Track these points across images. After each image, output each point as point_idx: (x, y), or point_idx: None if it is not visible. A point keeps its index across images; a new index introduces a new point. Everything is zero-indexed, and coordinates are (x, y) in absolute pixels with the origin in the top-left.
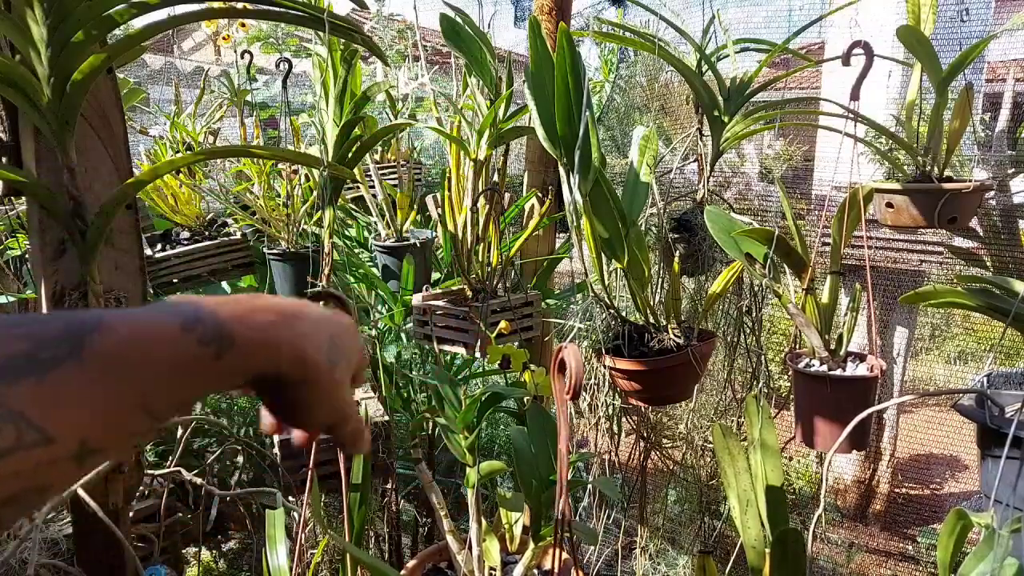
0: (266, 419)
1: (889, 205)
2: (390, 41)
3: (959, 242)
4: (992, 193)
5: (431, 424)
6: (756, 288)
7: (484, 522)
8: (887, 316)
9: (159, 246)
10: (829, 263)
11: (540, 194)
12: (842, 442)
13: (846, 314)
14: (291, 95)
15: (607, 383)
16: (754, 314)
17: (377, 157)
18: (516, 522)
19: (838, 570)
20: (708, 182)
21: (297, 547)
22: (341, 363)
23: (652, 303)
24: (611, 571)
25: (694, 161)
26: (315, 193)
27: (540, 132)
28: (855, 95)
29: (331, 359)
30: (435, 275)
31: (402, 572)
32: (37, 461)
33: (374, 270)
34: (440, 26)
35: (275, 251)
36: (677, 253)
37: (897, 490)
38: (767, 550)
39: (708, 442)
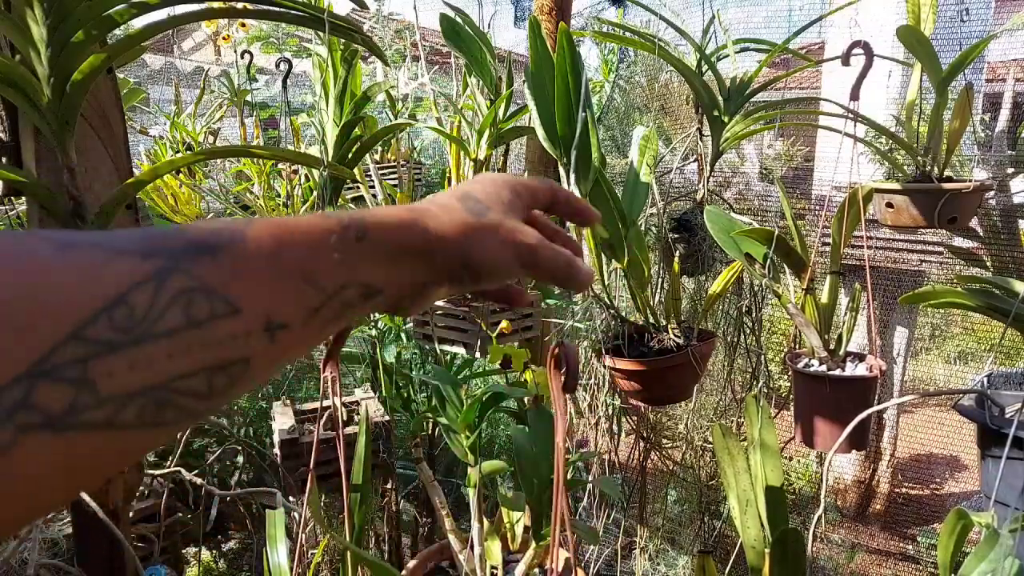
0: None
1: (889, 205)
2: (390, 41)
3: (959, 242)
4: (992, 193)
5: (431, 424)
6: (756, 288)
7: (485, 521)
8: (887, 316)
9: None
10: (829, 263)
11: None
12: (842, 442)
13: (846, 314)
14: (291, 95)
15: (607, 383)
16: (754, 314)
17: (377, 157)
18: (517, 521)
19: (838, 570)
20: (708, 182)
21: (297, 547)
22: (492, 208)
23: (652, 303)
24: (611, 571)
25: (694, 161)
26: (315, 193)
27: (540, 132)
28: (855, 95)
29: (476, 210)
30: None
31: (403, 572)
32: (232, 332)
33: None
34: (440, 26)
35: None
36: (677, 253)
37: (897, 490)
38: (767, 550)
39: (708, 442)
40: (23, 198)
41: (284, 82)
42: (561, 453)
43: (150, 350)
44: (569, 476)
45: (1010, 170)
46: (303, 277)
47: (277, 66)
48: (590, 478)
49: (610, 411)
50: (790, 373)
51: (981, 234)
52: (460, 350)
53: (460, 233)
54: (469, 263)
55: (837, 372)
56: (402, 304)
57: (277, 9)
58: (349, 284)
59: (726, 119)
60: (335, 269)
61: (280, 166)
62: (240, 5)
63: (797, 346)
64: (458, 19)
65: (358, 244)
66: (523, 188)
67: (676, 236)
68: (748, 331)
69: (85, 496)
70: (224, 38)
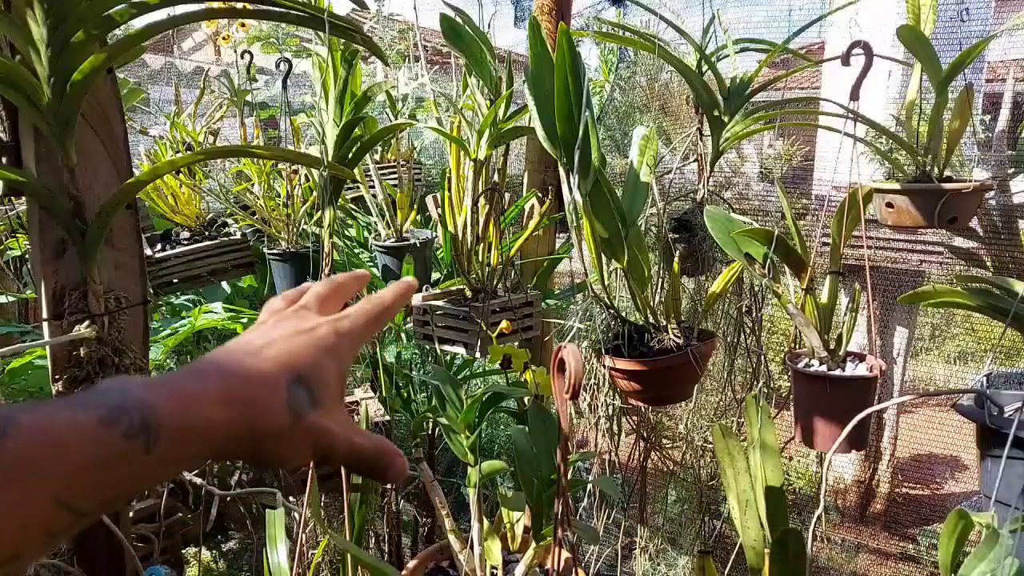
0: None
1: (889, 205)
2: (390, 41)
3: (959, 242)
4: (992, 193)
5: (432, 424)
6: (756, 288)
7: (486, 521)
8: (887, 316)
9: (159, 246)
10: (829, 263)
11: (540, 194)
12: (842, 442)
13: (846, 314)
14: (291, 95)
15: (607, 383)
16: (754, 314)
17: (377, 157)
18: (517, 521)
19: (838, 570)
20: (708, 182)
21: (297, 547)
22: (320, 403)
23: (652, 303)
24: (611, 571)
25: (694, 161)
26: (315, 193)
27: (540, 132)
28: (855, 95)
29: (298, 409)
30: (435, 275)
31: (403, 572)
32: None
33: (374, 270)
34: (440, 26)
35: (275, 251)
36: (677, 253)
37: (897, 490)
38: (767, 550)
39: (708, 442)
40: (23, 198)
41: (284, 82)
42: (564, 457)
43: None
44: (569, 476)
45: (1010, 170)
46: (62, 504)
47: (277, 66)
48: (590, 478)
49: (610, 411)
50: (790, 373)
51: (981, 234)
52: (460, 350)
53: (271, 437)
54: (261, 459)
55: (837, 372)
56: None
57: (277, 9)
58: (119, 499)
59: (726, 119)
60: (108, 489)
61: (280, 166)
62: (240, 5)
63: (797, 346)
64: (458, 19)
65: (146, 457)
66: (346, 341)
67: (676, 236)
68: (748, 331)
69: None
70: (224, 38)
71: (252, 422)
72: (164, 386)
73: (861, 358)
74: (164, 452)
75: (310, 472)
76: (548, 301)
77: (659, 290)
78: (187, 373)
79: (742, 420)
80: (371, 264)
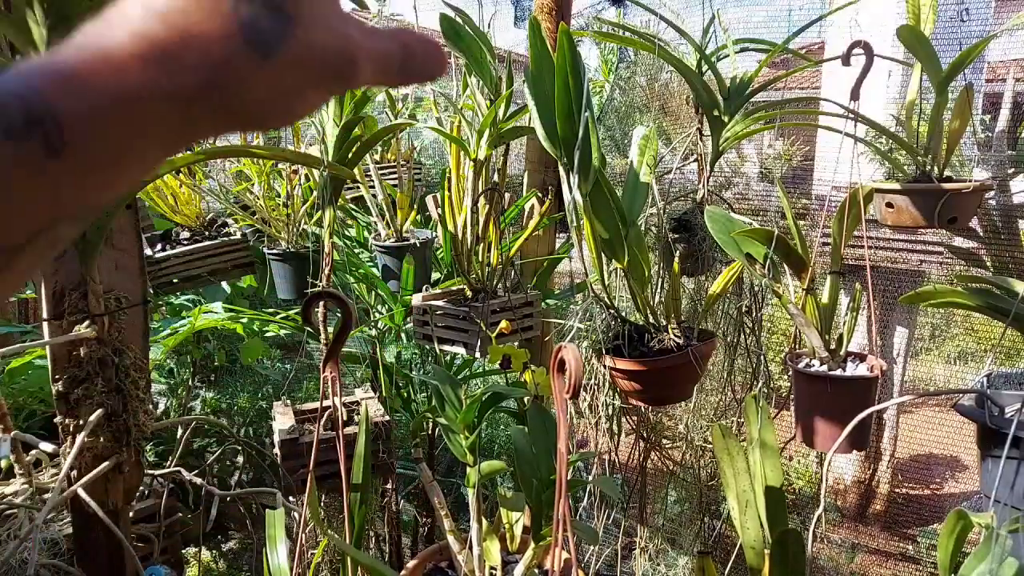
0: None
1: (889, 205)
2: None
3: (959, 242)
4: (992, 193)
5: (431, 424)
6: (756, 288)
7: (485, 522)
8: (887, 316)
9: (159, 246)
10: (829, 263)
11: (540, 194)
12: (842, 442)
13: (846, 314)
14: None
15: (607, 383)
16: (754, 314)
17: (377, 157)
18: (517, 522)
19: (838, 570)
20: (708, 182)
21: (297, 547)
22: (288, 17)
23: (652, 303)
24: (611, 571)
25: (694, 161)
26: (315, 193)
27: (540, 132)
28: (855, 95)
29: (260, 40)
30: (435, 275)
31: (403, 572)
32: None
33: (374, 270)
34: (440, 26)
35: (275, 251)
36: (677, 253)
37: (897, 490)
38: (767, 550)
39: (708, 442)
40: None
41: None
42: (564, 459)
43: None
44: (569, 476)
45: (1010, 170)
46: None
47: None
48: (590, 478)
49: (610, 411)
50: (790, 373)
51: (981, 234)
52: (460, 350)
53: (233, 93)
54: (245, 117)
55: (837, 372)
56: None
57: None
58: (48, 222)
59: (726, 119)
60: (14, 218)
61: (280, 166)
62: None
63: (797, 346)
64: (458, 19)
65: (56, 163)
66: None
67: (676, 236)
68: (748, 331)
69: (85, 496)
70: None
71: (201, 80)
72: (52, 63)
73: (861, 358)
74: (82, 152)
75: (310, 472)
76: (548, 301)
77: (659, 290)
78: (85, 32)
79: (742, 420)
80: (371, 264)
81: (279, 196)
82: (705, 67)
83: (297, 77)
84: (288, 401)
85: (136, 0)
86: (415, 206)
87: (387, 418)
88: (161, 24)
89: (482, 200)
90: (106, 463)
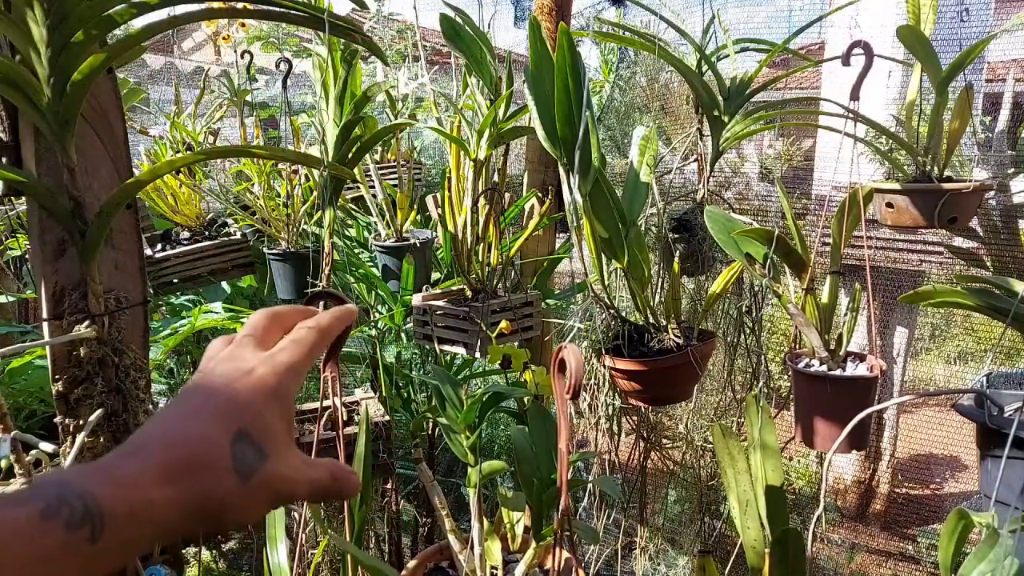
0: None
1: (889, 205)
2: (390, 41)
3: (959, 242)
4: (992, 193)
5: (431, 424)
6: (756, 288)
7: (485, 521)
8: (887, 316)
9: (159, 246)
10: (829, 263)
11: (540, 194)
12: (842, 442)
13: (846, 314)
14: (291, 95)
15: (607, 383)
16: (754, 314)
17: (377, 157)
18: (517, 521)
19: (838, 570)
20: (708, 182)
21: (297, 547)
22: (269, 454)
23: (652, 303)
24: (611, 571)
25: (694, 161)
26: (315, 193)
27: (540, 132)
28: (855, 95)
29: (246, 468)
30: (435, 275)
31: (403, 572)
32: None
33: (374, 270)
34: (440, 26)
35: (275, 251)
36: (677, 253)
37: (897, 490)
38: (767, 550)
39: (708, 442)
40: (23, 198)
41: (284, 82)
42: (565, 459)
43: None
44: (569, 476)
45: (1010, 170)
46: None
47: (277, 66)
48: (590, 478)
49: (610, 411)
50: (790, 373)
51: (981, 234)
52: (460, 350)
53: (223, 504)
54: (220, 527)
55: (837, 372)
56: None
57: (277, 9)
58: None
59: (726, 119)
60: None
61: (280, 166)
62: (240, 5)
63: (797, 346)
64: (458, 19)
65: (93, 546)
66: (287, 378)
67: (676, 236)
68: (748, 331)
69: None
70: (224, 38)
71: (200, 494)
72: (102, 472)
73: (861, 358)
74: (111, 540)
75: None
76: (548, 301)
77: (659, 290)
78: (124, 453)
79: (742, 420)
80: (371, 264)
81: (279, 196)
82: (705, 67)
83: (259, 496)
84: None
85: (157, 433)
86: (415, 206)
87: (387, 418)
88: (188, 454)
89: (482, 200)
90: None
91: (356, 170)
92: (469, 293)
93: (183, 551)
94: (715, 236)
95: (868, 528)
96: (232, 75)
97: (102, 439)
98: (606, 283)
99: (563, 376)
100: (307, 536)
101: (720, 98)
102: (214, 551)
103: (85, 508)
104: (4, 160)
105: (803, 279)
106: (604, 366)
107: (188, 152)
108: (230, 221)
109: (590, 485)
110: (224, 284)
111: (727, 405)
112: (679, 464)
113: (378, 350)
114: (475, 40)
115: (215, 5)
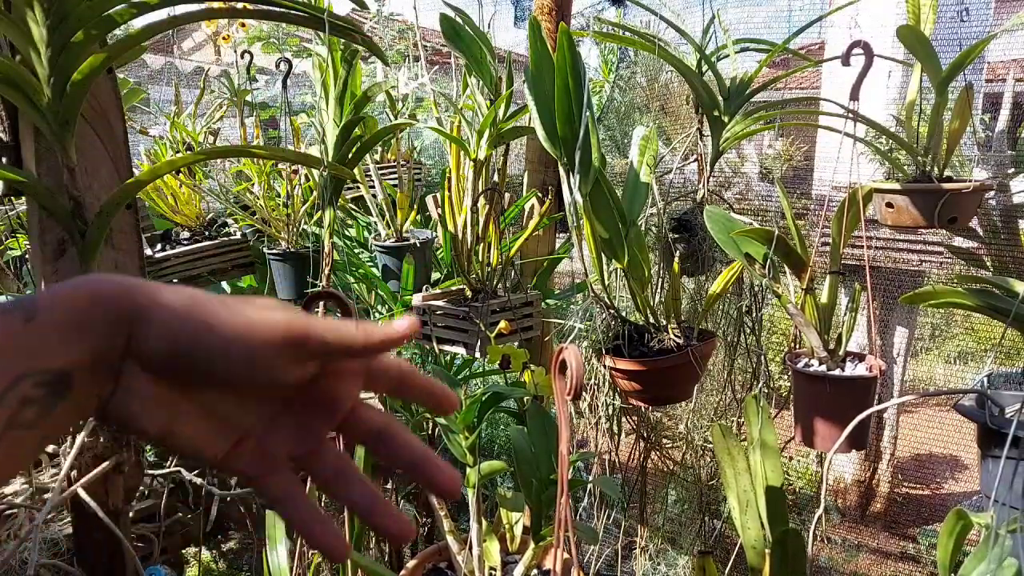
0: None
1: (889, 205)
2: (390, 41)
3: (959, 242)
4: (992, 193)
5: (431, 424)
6: (756, 288)
7: (484, 522)
8: (887, 316)
9: (159, 246)
10: (829, 263)
11: (540, 194)
12: (842, 442)
13: (846, 314)
14: (291, 95)
15: (607, 383)
16: (754, 314)
17: (377, 157)
18: (516, 522)
19: (838, 570)
20: (708, 182)
21: (297, 547)
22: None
23: (652, 303)
24: (611, 571)
25: (694, 161)
26: (315, 193)
27: (540, 132)
28: (855, 95)
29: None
30: (435, 275)
31: (402, 572)
32: None
33: (374, 270)
34: (440, 26)
35: (275, 251)
36: (677, 253)
37: (897, 490)
38: (767, 550)
39: (708, 442)
40: (23, 198)
41: (284, 82)
42: (565, 460)
43: None
44: (569, 476)
45: (1010, 170)
46: None
47: (277, 66)
48: (590, 478)
49: (610, 411)
50: (790, 373)
51: (981, 234)
52: (460, 350)
53: (186, 305)
54: (193, 350)
55: (837, 372)
56: (110, 398)
57: (277, 9)
58: (23, 376)
59: (726, 119)
60: None
61: (280, 166)
62: (240, 5)
63: (797, 346)
64: (458, 19)
65: (26, 327)
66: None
67: (676, 236)
68: (748, 331)
69: (85, 496)
70: (224, 38)
71: (157, 297)
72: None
73: (861, 358)
74: (44, 321)
75: None
76: (548, 301)
77: (659, 290)
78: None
79: (742, 420)
80: (371, 264)
81: (279, 196)
82: (705, 67)
83: (246, 312)
84: None
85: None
86: (415, 206)
87: None
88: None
89: (482, 200)
90: (106, 463)
91: (356, 170)
92: (469, 293)
93: (183, 551)
94: (715, 236)
95: (868, 528)
96: (232, 75)
97: (102, 439)
98: (606, 283)
99: (563, 377)
100: None
101: (720, 98)
102: (214, 551)
103: (29, 302)
104: (4, 160)
105: (803, 279)
106: (604, 366)
107: (188, 152)
108: (230, 221)
109: (590, 485)
110: (224, 284)
111: (727, 405)
112: (679, 464)
113: None
114: (475, 40)
115: (215, 5)
